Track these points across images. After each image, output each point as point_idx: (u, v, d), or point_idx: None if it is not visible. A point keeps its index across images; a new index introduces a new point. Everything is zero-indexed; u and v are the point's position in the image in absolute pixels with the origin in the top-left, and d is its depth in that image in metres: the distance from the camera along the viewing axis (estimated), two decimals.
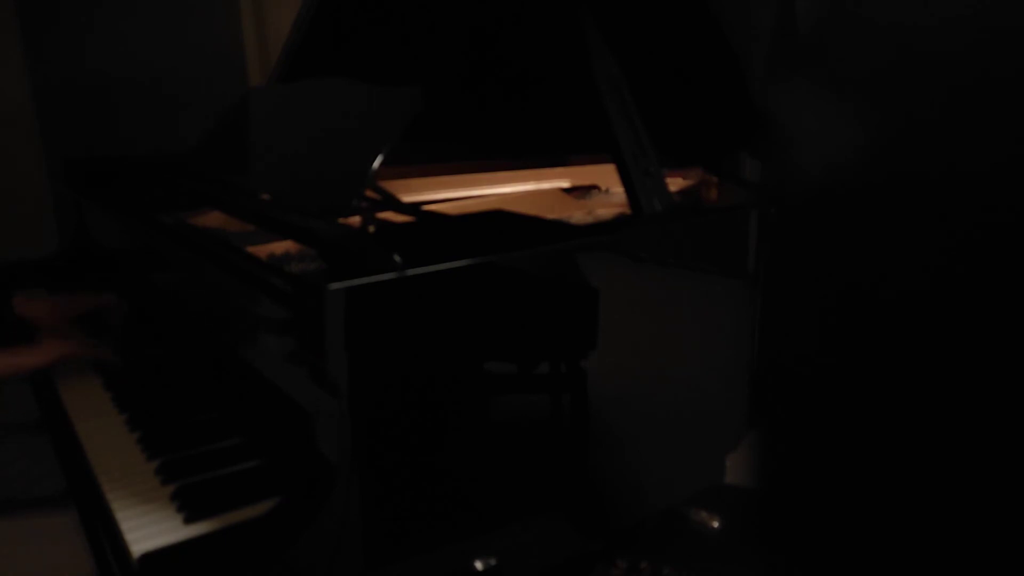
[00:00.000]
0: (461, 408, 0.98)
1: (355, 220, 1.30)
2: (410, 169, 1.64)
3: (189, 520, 0.92)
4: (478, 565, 1.00)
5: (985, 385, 1.39)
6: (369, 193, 1.41)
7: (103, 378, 1.32)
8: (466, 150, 1.76)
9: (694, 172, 1.55)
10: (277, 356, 0.98)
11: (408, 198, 1.47)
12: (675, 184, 1.50)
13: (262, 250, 1.18)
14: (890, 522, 1.52)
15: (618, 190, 1.51)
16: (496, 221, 1.20)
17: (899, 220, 1.46)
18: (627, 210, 1.23)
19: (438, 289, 0.93)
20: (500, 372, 1.01)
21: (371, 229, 1.27)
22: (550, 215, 1.33)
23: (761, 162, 1.66)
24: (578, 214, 1.43)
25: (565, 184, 1.68)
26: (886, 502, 1.52)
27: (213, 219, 1.36)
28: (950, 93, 1.38)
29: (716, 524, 1.44)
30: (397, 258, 0.88)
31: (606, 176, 1.63)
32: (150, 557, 0.86)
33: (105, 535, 0.95)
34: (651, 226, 1.19)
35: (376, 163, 1.11)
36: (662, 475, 1.27)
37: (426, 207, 1.38)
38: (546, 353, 1.05)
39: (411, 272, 0.89)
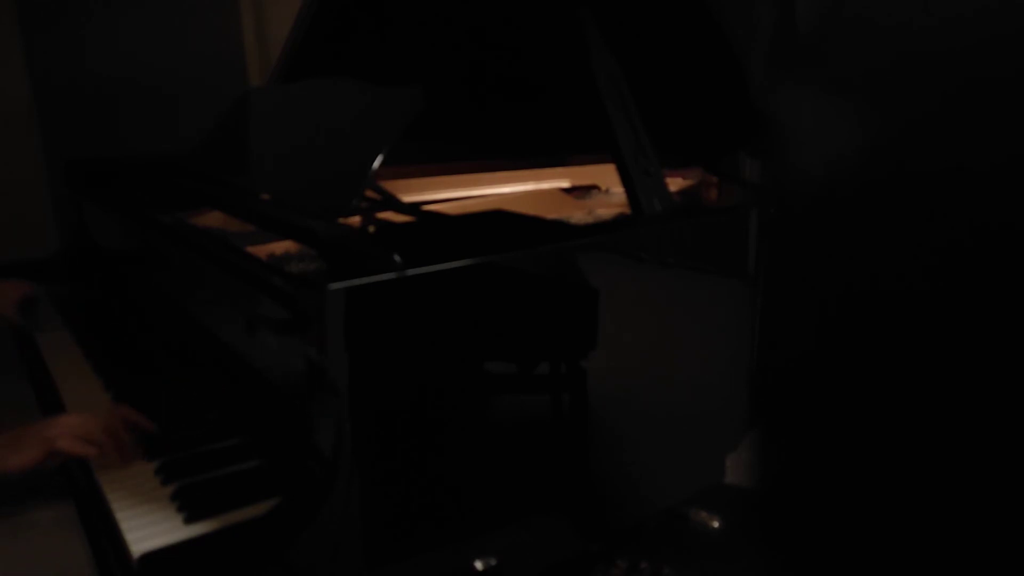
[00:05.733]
0: (461, 408, 0.98)
1: (355, 220, 1.30)
2: (410, 169, 1.64)
3: (189, 520, 0.92)
4: (478, 565, 0.99)
5: (985, 385, 1.39)
6: (369, 193, 1.41)
7: (103, 379, 1.33)
8: (466, 150, 1.76)
9: (694, 172, 1.55)
10: (277, 356, 0.98)
11: (408, 198, 1.47)
12: (675, 184, 1.50)
13: (262, 250, 1.18)
14: (890, 522, 1.52)
15: (618, 190, 1.51)
16: (496, 221, 1.20)
17: (899, 220, 1.46)
18: (627, 210, 1.23)
19: (438, 289, 0.93)
20: (500, 372, 1.01)
21: (371, 229, 1.27)
22: (550, 215, 1.34)
23: (761, 162, 1.66)
24: (578, 214, 1.43)
25: (565, 184, 1.68)
26: (886, 501, 1.52)
27: (213, 219, 1.36)
28: (949, 93, 1.38)
29: (716, 524, 1.44)
30: (397, 258, 0.88)
31: (606, 176, 1.63)
32: (150, 557, 0.86)
33: (105, 535, 0.95)
34: (651, 226, 1.19)
35: (376, 163, 1.11)
36: (662, 475, 1.27)
37: (426, 207, 1.38)
38: (546, 353, 1.05)
39: (411, 272, 0.89)
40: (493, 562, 1.00)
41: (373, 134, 1.17)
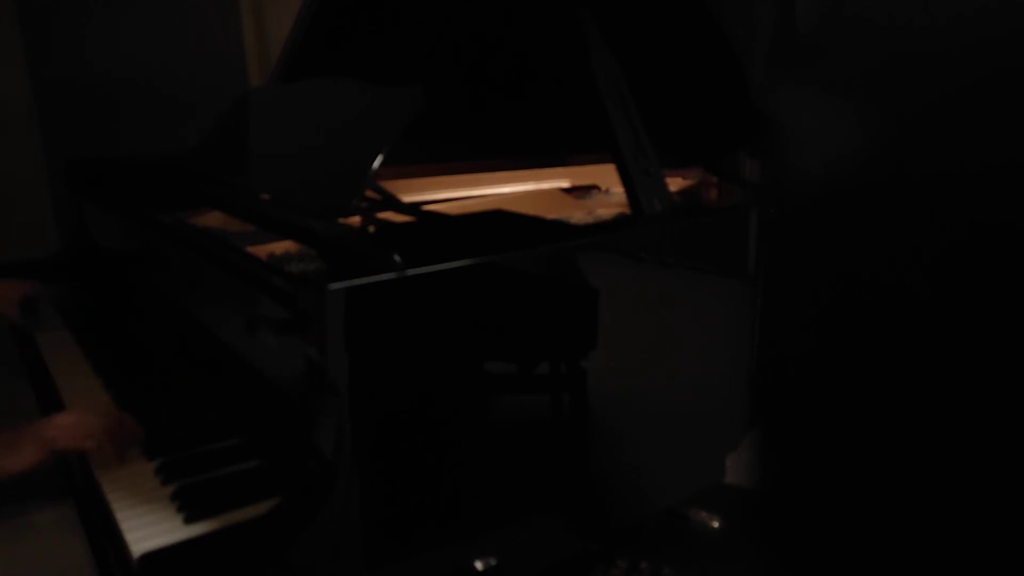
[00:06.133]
0: (461, 408, 0.98)
1: (355, 220, 1.30)
2: (410, 169, 1.64)
3: (189, 520, 0.92)
4: (478, 565, 0.99)
5: (985, 384, 1.39)
6: (369, 193, 1.41)
7: (103, 379, 1.33)
8: (466, 150, 1.76)
9: (694, 172, 1.55)
10: (277, 356, 0.98)
11: (408, 198, 1.47)
12: (675, 184, 1.50)
13: (262, 250, 1.18)
14: (889, 521, 1.52)
15: (618, 190, 1.51)
16: (496, 221, 1.20)
17: (898, 220, 1.46)
18: (627, 210, 1.23)
19: (438, 289, 0.93)
20: (500, 372, 1.01)
21: (371, 229, 1.27)
22: (550, 215, 1.34)
23: (761, 162, 1.66)
24: (578, 214, 1.43)
25: (565, 184, 1.68)
26: (885, 501, 1.52)
27: (213, 219, 1.36)
28: (949, 93, 1.38)
29: (716, 524, 1.44)
30: (397, 258, 0.88)
31: (606, 176, 1.63)
32: (150, 557, 0.86)
33: (105, 535, 0.95)
34: (651, 226, 1.19)
35: (376, 163, 1.11)
36: (662, 475, 1.27)
37: (426, 207, 1.38)
38: (546, 353, 1.05)
39: (411, 272, 0.89)
40: (493, 562, 1.00)
41: (373, 134, 1.17)
